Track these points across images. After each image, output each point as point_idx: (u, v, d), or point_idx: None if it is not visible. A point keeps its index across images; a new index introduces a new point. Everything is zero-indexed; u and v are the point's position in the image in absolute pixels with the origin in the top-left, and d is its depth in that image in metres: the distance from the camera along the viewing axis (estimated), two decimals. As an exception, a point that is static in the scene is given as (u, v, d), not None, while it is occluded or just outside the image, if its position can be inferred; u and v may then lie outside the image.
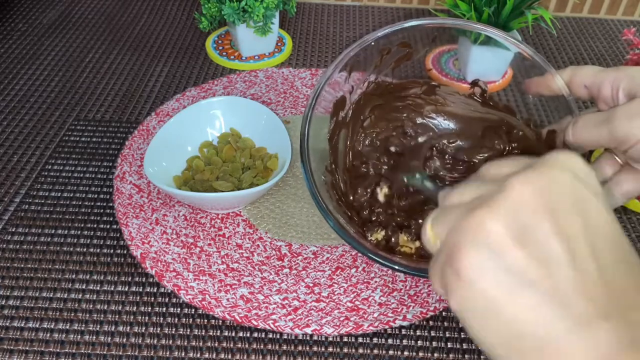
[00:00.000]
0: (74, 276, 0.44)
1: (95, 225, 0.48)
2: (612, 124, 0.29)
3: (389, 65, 0.46)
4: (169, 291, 0.43)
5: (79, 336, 0.40)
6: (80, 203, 0.50)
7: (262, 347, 0.40)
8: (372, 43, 0.42)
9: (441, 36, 0.45)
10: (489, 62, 0.50)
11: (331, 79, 0.42)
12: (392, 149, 0.47)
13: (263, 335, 0.41)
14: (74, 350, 0.39)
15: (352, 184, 0.44)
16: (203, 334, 0.41)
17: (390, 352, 0.40)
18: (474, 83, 0.46)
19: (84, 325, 0.41)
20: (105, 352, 0.39)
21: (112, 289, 0.43)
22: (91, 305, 0.42)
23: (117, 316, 0.42)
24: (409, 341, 0.41)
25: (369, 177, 0.45)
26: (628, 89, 0.30)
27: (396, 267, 0.34)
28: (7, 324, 0.41)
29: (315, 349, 0.40)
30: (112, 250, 0.46)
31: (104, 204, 0.50)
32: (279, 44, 0.73)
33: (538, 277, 0.19)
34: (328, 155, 0.43)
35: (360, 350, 0.40)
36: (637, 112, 0.29)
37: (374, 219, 0.42)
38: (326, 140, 0.43)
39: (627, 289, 0.19)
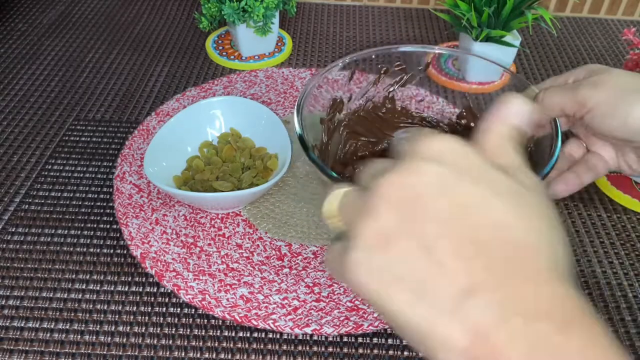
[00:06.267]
0: (74, 276, 0.44)
1: (95, 225, 0.48)
2: (577, 89, 0.37)
3: (386, 88, 0.49)
4: (169, 291, 0.43)
5: (79, 336, 0.40)
6: (80, 203, 0.51)
7: (262, 347, 0.40)
8: (374, 56, 0.45)
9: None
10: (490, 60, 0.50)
11: (330, 74, 0.44)
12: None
13: (263, 335, 0.41)
14: (74, 350, 0.39)
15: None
16: (203, 334, 0.41)
17: (390, 352, 0.40)
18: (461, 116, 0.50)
19: (84, 325, 0.41)
20: (105, 352, 0.39)
21: (112, 288, 0.43)
22: (91, 305, 0.42)
23: (117, 316, 0.42)
24: (409, 341, 0.41)
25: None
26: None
27: None
28: (7, 324, 0.41)
29: (315, 349, 0.40)
30: (112, 250, 0.46)
31: (104, 204, 0.50)
32: (279, 44, 0.73)
33: (403, 273, 0.20)
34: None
35: (360, 350, 0.40)
36: (597, 82, 0.37)
37: None
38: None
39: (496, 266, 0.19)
